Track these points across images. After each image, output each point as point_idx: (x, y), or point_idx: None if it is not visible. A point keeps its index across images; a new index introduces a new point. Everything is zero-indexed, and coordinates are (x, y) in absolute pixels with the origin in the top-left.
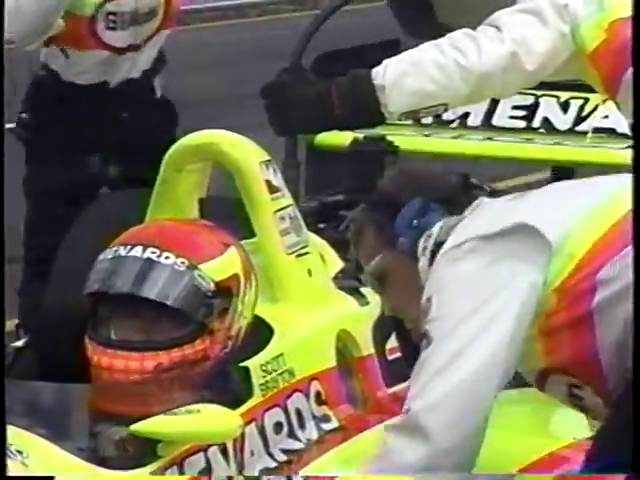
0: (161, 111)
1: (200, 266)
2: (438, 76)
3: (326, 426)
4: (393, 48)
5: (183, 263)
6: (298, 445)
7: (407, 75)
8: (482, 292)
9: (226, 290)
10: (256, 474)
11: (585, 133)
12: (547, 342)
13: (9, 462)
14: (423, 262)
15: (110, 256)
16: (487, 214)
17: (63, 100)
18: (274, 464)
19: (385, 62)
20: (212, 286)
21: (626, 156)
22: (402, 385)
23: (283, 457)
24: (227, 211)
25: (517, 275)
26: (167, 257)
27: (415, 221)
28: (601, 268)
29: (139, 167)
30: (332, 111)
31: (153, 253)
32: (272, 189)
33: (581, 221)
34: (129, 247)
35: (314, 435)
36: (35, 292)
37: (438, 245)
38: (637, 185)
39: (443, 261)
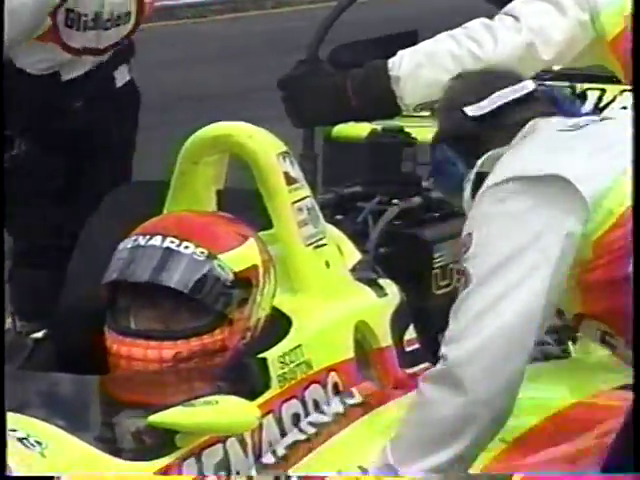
0: (120, 101)
1: (219, 256)
2: (453, 67)
3: (350, 401)
4: (411, 39)
5: (202, 253)
6: (325, 419)
7: (422, 66)
8: (523, 236)
9: (245, 280)
10: (284, 449)
11: None
12: (584, 294)
13: (28, 453)
14: (467, 192)
15: (129, 245)
16: (534, 148)
17: (13, 88)
18: (303, 437)
19: (400, 53)
20: (231, 276)
21: None
22: (422, 365)
23: (312, 430)
24: (245, 203)
25: (556, 222)
26: (187, 247)
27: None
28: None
29: (85, 157)
30: (348, 103)
31: (172, 242)
32: (290, 180)
33: (620, 179)
34: (148, 237)
35: (340, 409)
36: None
37: (479, 176)
38: (637, 185)
39: (486, 198)
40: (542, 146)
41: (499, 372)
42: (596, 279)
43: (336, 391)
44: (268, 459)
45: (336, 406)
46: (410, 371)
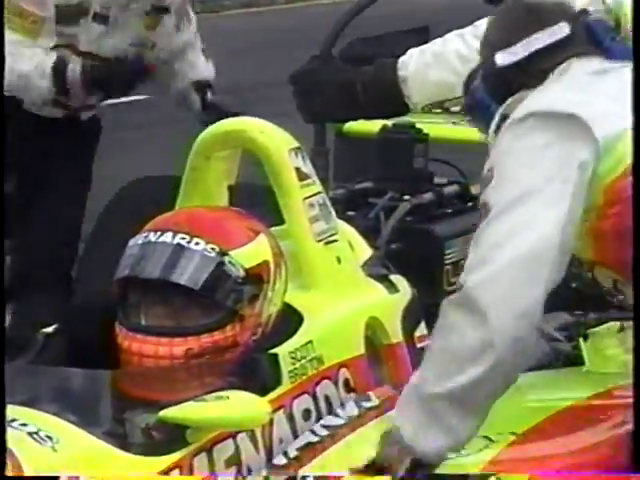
0: (82, 134)
1: (230, 252)
2: (460, 68)
3: (366, 404)
4: (423, 35)
5: (213, 249)
6: (339, 421)
7: (430, 67)
8: (542, 171)
9: (256, 277)
10: (296, 451)
11: None
12: (596, 243)
13: (39, 447)
14: (491, 131)
15: (140, 242)
16: (559, 88)
17: None
18: (316, 439)
19: (410, 52)
20: (242, 272)
21: None
22: None
23: (325, 432)
24: (256, 198)
25: (571, 156)
26: (197, 243)
27: None
28: None
29: (38, 186)
30: (356, 100)
31: (183, 239)
32: (301, 176)
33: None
34: (159, 233)
35: (354, 412)
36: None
37: (503, 117)
38: (637, 184)
39: (508, 134)
40: (567, 87)
41: (516, 299)
42: (607, 228)
43: (347, 387)
44: (279, 460)
45: (351, 409)
46: None
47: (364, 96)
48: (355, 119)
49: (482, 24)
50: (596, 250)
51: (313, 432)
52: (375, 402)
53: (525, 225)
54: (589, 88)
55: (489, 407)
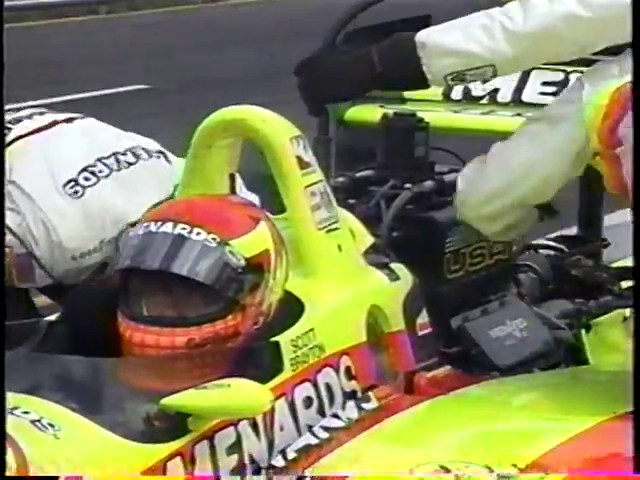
0: None
1: (231, 242)
2: (482, 37)
3: (367, 406)
4: (424, 24)
5: (214, 239)
6: (339, 424)
7: (449, 34)
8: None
9: (257, 266)
10: (294, 452)
11: None
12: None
13: (41, 435)
14: None
15: (141, 232)
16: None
17: None
18: (315, 441)
19: (434, 27)
20: (243, 262)
21: None
22: (440, 370)
23: (325, 434)
24: (258, 187)
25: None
26: (198, 233)
27: None
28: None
29: None
30: (372, 70)
31: (184, 229)
32: (303, 165)
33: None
34: (160, 223)
35: (354, 415)
36: None
37: None
38: (637, 184)
39: None
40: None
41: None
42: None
43: (349, 375)
44: (278, 462)
45: (351, 411)
46: (429, 375)
47: (381, 65)
48: (371, 90)
49: (509, 4)
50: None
51: (313, 434)
52: (374, 404)
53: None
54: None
55: None
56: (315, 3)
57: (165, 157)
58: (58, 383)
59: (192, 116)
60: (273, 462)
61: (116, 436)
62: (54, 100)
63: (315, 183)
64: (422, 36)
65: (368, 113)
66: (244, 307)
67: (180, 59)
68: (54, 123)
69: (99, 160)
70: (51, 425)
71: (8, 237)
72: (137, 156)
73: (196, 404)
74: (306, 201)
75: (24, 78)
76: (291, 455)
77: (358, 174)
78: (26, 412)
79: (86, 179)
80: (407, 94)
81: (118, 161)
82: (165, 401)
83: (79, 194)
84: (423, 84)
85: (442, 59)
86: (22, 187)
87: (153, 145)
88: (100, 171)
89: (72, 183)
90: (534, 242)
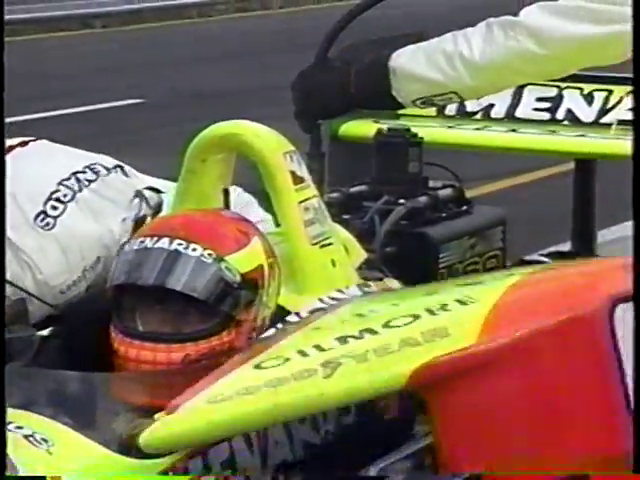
0: None
1: (226, 258)
2: (443, 65)
3: (367, 289)
4: (419, 40)
5: (210, 255)
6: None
7: (416, 61)
8: None
9: (252, 281)
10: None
11: (609, 125)
12: None
13: (34, 450)
14: None
15: (136, 247)
16: None
17: None
18: (291, 458)
19: (407, 47)
20: (238, 277)
21: None
22: None
23: (301, 453)
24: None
25: None
26: (194, 249)
27: None
28: None
29: None
30: (349, 89)
31: (180, 245)
32: (296, 180)
33: None
34: (155, 238)
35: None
36: None
37: None
38: (637, 184)
39: None
40: None
41: None
42: None
43: None
44: (292, 317)
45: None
46: None
47: (355, 86)
48: (347, 111)
49: (480, 25)
50: None
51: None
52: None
53: None
54: None
55: None
56: (313, 15)
57: (122, 170)
58: (51, 398)
59: (187, 130)
60: (288, 318)
61: (110, 451)
62: (47, 114)
63: (309, 198)
64: (393, 60)
65: (362, 128)
66: (239, 323)
67: (175, 73)
68: (9, 149)
69: (60, 184)
70: (44, 440)
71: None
72: (96, 172)
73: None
74: (300, 216)
75: (16, 91)
76: (304, 314)
77: (352, 189)
78: (19, 427)
79: (54, 208)
80: (401, 109)
81: (79, 180)
82: (158, 416)
83: (50, 226)
84: (396, 106)
85: (409, 85)
86: None
87: (109, 160)
88: (65, 195)
89: (42, 216)
90: (527, 257)
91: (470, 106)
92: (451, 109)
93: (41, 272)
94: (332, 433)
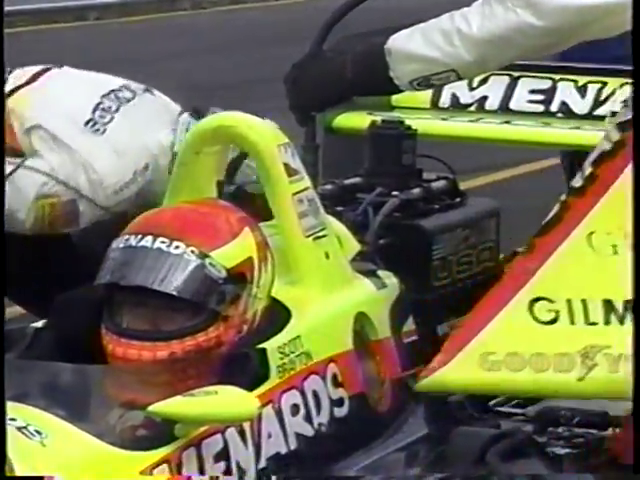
0: None
1: (211, 254)
2: (441, 42)
3: (339, 412)
4: None
5: (193, 252)
6: (310, 432)
7: (412, 40)
8: None
9: (239, 276)
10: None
11: (603, 117)
12: None
13: (28, 442)
14: None
15: (121, 245)
16: None
17: None
18: (285, 450)
19: (403, 30)
20: (224, 273)
21: None
22: None
23: (295, 443)
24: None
25: None
26: (177, 247)
27: None
28: None
29: None
30: (345, 76)
31: (163, 243)
32: (290, 172)
33: None
34: (140, 236)
35: (325, 420)
36: None
37: None
38: (637, 184)
39: None
40: None
41: None
42: None
43: (335, 383)
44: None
45: (324, 416)
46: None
47: (352, 71)
48: (344, 99)
49: (476, 3)
50: None
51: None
52: (346, 410)
53: None
54: None
55: None
56: (310, 7)
57: (150, 92)
58: (45, 390)
59: None
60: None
61: (103, 443)
62: None
63: (303, 190)
64: (389, 42)
65: (356, 120)
66: (226, 318)
67: (170, 65)
68: (44, 70)
69: (103, 97)
70: (38, 432)
71: (49, 185)
72: (132, 91)
73: (183, 411)
74: (293, 208)
75: None
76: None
77: (346, 181)
78: (13, 419)
79: (101, 117)
80: (395, 101)
81: (118, 97)
82: (152, 408)
83: (101, 131)
84: (393, 90)
85: (407, 65)
86: (50, 130)
87: (136, 84)
88: (109, 107)
89: (92, 122)
90: (521, 249)
91: (464, 98)
92: (445, 101)
93: (95, 171)
94: (325, 425)
